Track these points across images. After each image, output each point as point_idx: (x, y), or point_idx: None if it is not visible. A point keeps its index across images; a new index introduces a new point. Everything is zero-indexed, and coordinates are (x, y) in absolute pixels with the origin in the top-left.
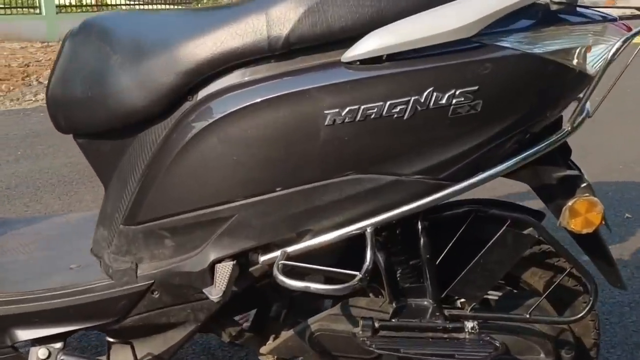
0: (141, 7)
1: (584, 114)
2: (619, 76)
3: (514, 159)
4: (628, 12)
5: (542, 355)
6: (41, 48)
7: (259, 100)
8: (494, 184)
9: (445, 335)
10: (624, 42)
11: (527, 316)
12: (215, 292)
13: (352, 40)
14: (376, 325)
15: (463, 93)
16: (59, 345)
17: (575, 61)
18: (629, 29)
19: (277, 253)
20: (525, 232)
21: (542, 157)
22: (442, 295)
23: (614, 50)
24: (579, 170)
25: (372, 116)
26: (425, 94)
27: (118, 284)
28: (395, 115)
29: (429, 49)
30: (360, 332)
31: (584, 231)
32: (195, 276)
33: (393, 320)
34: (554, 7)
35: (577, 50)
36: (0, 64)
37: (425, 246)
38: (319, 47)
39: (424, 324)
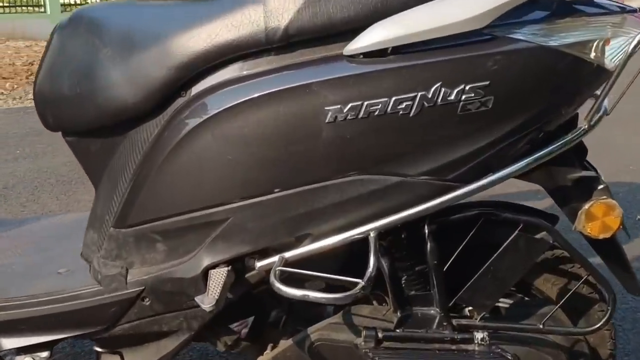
0: None
1: (601, 112)
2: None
3: (527, 160)
4: None
5: None
6: None
7: (256, 96)
8: (504, 184)
9: (454, 347)
10: None
11: (541, 326)
12: (207, 301)
13: (355, 32)
14: (380, 335)
15: (473, 88)
16: (45, 354)
17: (592, 55)
18: None
19: (275, 258)
20: (538, 236)
21: (556, 158)
22: (450, 304)
23: (634, 43)
24: (596, 171)
25: (376, 113)
26: (432, 89)
27: (107, 290)
28: (401, 112)
29: (436, 41)
30: (363, 342)
31: (601, 236)
32: (188, 282)
33: (398, 330)
34: None
35: (595, 43)
36: (4, 62)
37: (432, 252)
38: (320, 40)
39: (430, 334)
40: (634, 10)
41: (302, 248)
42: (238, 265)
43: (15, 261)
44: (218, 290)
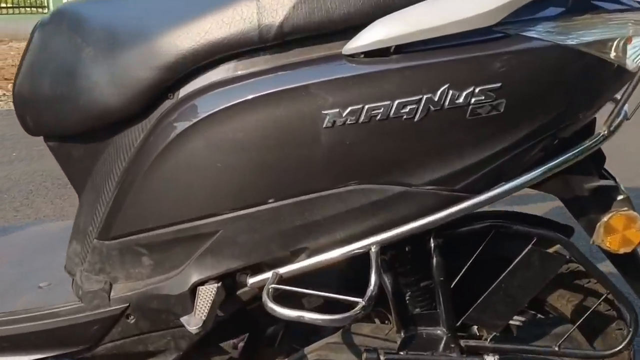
0: None
1: (621, 116)
2: None
3: (542, 168)
4: None
5: None
6: None
7: (248, 98)
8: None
9: None
10: None
11: (556, 348)
12: (194, 322)
13: (355, 30)
14: (382, 357)
15: (483, 91)
16: None
17: (613, 54)
18: None
19: (268, 274)
20: (552, 249)
21: (572, 166)
22: (458, 324)
23: None
24: (615, 180)
25: (378, 117)
26: (439, 92)
27: (88, 307)
28: (405, 117)
29: (444, 40)
30: None
31: (621, 250)
32: (175, 300)
33: (401, 352)
34: None
35: (616, 42)
36: (7, 63)
37: (438, 267)
38: (317, 38)
39: (436, 357)
40: None
41: (298, 263)
42: (228, 282)
43: None
44: (206, 310)
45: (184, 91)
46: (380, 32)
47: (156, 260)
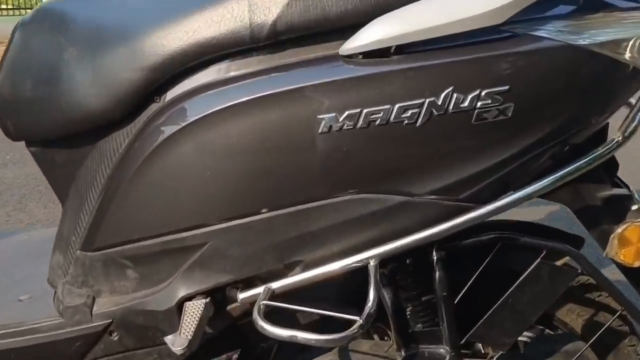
0: None
1: (636, 121)
2: None
3: (552, 177)
4: None
5: None
6: None
7: (239, 101)
8: None
9: None
10: None
11: None
12: (179, 342)
13: (353, 29)
14: None
15: (490, 94)
16: None
17: (627, 55)
18: None
19: (260, 289)
20: (563, 263)
21: (583, 174)
22: (462, 342)
23: None
24: (628, 188)
25: (377, 122)
26: (442, 95)
27: (69, 323)
28: (406, 122)
29: (447, 40)
30: None
31: (637, 264)
32: (161, 316)
33: None
34: None
35: (631, 42)
36: None
37: (440, 281)
38: (313, 38)
39: None
40: None
41: (292, 278)
42: (218, 296)
43: None
44: (192, 328)
45: (171, 94)
46: (379, 31)
47: (142, 273)
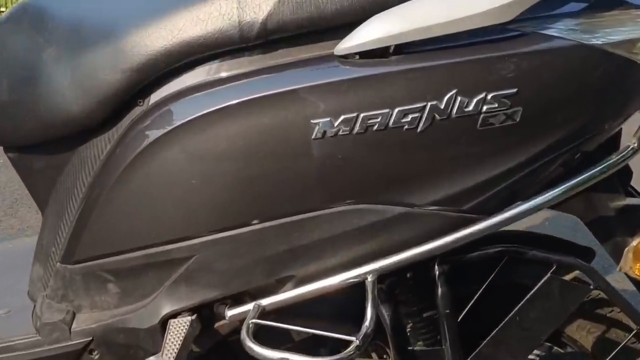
0: None
1: None
2: None
3: (562, 186)
4: None
5: None
6: None
7: (228, 105)
8: None
9: None
10: None
11: None
12: None
13: (349, 28)
14: None
15: (497, 98)
16: None
17: None
18: None
19: (250, 306)
20: (574, 278)
21: (596, 183)
22: None
23: None
24: None
25: (375, 127)
26: (445, 98)
27: (47, 340)
28: (406, 127)
29: (451, 39)
30: None
31: None
32: (144, 334)
33: None
34: None
35: None
36: None
37: (443, 297)
38: (306, 37)
39: None
40: None
41: (283, 294)
42: (205, 313)
43: None
44: (176, 348)
45: (155, 96)
46: (377, 30)
47: (124, 288)
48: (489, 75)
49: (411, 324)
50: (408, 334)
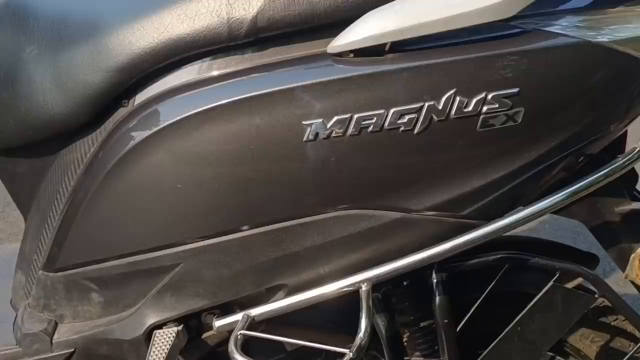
0: None
1: None
2: None
3: (566, 191)
4: None
5: None
6: None
7: (215, 105)
8: None
9: None
10: None
11: None
12: None
13: (343, 25)
14: None
15: (497, 98)
16: None
17: None
18: None
19: (238, 317)
20: (575, 283)
21: (601, 188)
22: None
23: None
24: None
25: (370, 129)
26: (444, 98)
27: (27, 352)
28: (402, 128)
29: (450, 36)
30: None
31: None
32: (128, 346)
33: None
34: None
35: None
36: None
37: (441, 306)
38: (298, 35)
39: None
40: None
41: (274, 304)
42: (192, 324)
43: None
44: (161, 359)
45: (141, 97)
46: (373, 27)
47: (107, 297)
48: (490, 74)
49: (408, 334)
50: (405, 344)
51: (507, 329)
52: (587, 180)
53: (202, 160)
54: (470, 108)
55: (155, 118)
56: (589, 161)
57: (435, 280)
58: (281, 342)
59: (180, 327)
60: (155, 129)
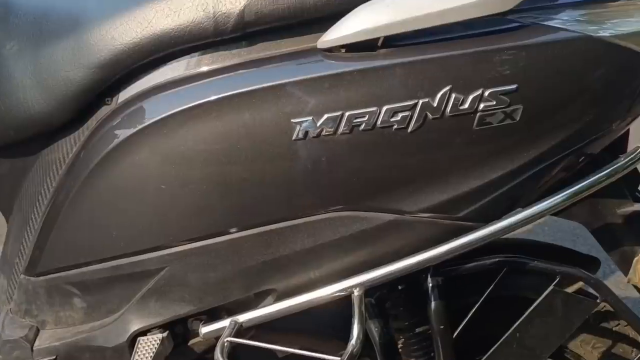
0: None
1: None
2: None
3: (566, 192)
4: None
5: None
6: None
7: (201, 102)
8: None
9: None
10: None
11: None
12: None
13: (333, 19)
14: None
15: (494, 95)
16: None
17: None
18: None
19: (226, 323)
20: (575, 287)
21: (602, 188)
22: None
23: None
24: None
25: (362, 127)
26: (439, 95)
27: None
28: (396, 127)
29: (445, 30)
30: None
31: None
32: (111, 353)
33: None
34: None
35: None
36: None
37: (437, 311)
38: (287, 29)
39: None
40: None
41: (262, 309)
42: (178, 330)
43: None
44: None
45: (124, 94)
46: (365, 21)
47: (90, 302)
48: (486, 70)
49: (403, 341)
50: (399, 351)
51: (505, 335)
52: (588, 180)
53: (188, 159)
54: (466, 105)
55: (139, 116)
56: (590, 161)
57: (430, 285)
58: (270, 350)
59: (165, 334)
60: (139, 127)
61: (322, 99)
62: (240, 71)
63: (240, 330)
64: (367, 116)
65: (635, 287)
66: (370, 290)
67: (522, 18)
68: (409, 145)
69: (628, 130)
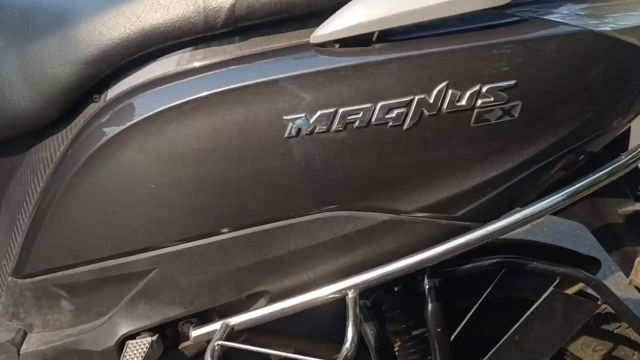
0: None
1: None
2: None
3: (566, 191)
4: None
5: None
6: None
7: (192, 99)
8: None
9: None
10: None
11: None
12: None
13: (327, 13)
14: None
15: (493, 91)
16: None
17: None
18: None
19: (217, 326)
20: (575, 288)
21: (603, 187)
22: None
23: None
24: None
25: (356, 125)
26: (435, 91)
27: None
28: (391, 124)
29: (441, 25)
30: None
31: None
32: (99, 356)
33: None
34: None
35: None
36: None
37: (434, 313)
38: (279, 24)
39: None
40: None
41: (255, 312)
42: (169, 333)
43: None
44: None
45: (113, 91)
46: (359, 15)
47: (78, 305)
48: (484, 65)
49: (399, 343)
50: (395, 354)
51: (504, 338)
52: (589, 179)
53: (178, 158)
54: (463, 102)
55: (127, 113)
56: (590, 159)
57: (427, 286)
58: (262, 353)
59: (154, 337)
60: (128, 125)
61: (315, 95)
62: (231, 67)
63: (232, 334)
64: (362, 113)
65: (637, 288)
66: (365, 292)
67: (521, 12)
68: (404, 143)
69: (629, 127)
